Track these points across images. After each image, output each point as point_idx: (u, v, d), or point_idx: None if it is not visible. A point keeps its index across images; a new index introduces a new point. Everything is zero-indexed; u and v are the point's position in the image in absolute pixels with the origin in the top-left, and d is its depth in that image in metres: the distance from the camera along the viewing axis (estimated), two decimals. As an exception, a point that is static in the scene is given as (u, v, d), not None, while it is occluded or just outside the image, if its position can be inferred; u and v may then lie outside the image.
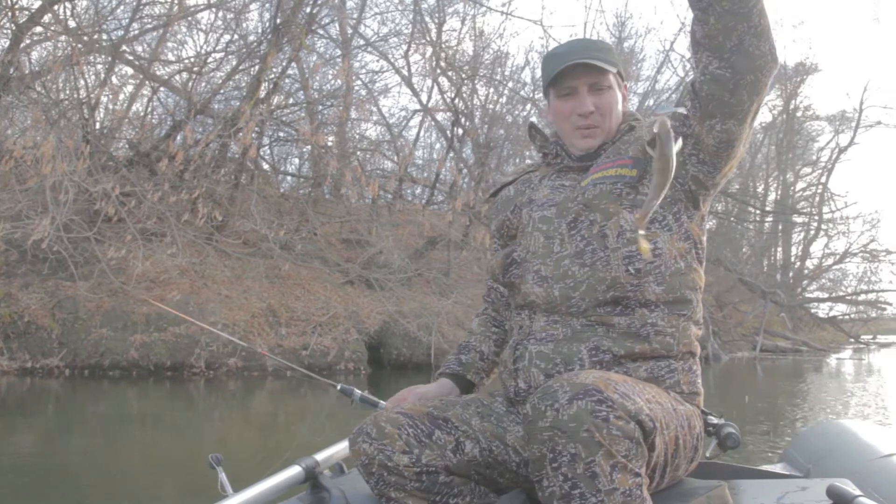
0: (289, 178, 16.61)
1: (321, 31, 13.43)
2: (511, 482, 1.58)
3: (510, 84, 16.53)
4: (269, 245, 11.75)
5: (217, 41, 12.48)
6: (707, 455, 1.61)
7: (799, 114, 25.41)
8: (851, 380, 13.70)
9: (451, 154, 15.00)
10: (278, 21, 10.44)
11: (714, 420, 1.78)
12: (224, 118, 10.00)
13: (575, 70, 1.59)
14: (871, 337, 26.09)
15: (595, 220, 1.54)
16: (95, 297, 10.16)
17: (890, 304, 24.35)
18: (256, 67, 11.22)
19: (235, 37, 12.39)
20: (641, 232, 1.35)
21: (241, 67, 11.27)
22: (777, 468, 2.02)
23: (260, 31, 12.44)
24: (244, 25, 12.79)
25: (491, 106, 16.70)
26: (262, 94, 10.42)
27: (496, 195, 1.84)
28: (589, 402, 1.21)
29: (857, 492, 1.41)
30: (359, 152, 15.13)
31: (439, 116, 17.30)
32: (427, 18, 14.62)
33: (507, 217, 1.75)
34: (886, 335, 28.46)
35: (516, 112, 17.43)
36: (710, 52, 1.42)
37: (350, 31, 14.46)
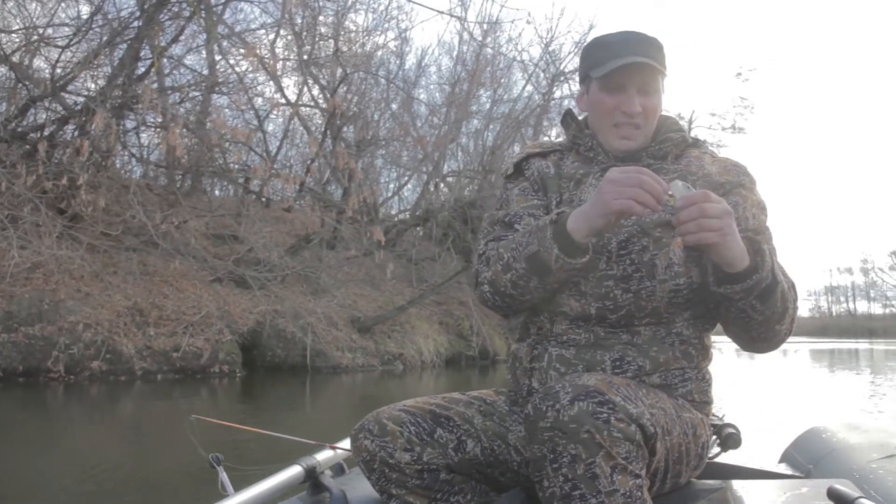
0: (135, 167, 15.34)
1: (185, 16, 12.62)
2: (512, 481, 1.56)
3: (380, 82, 16.44)
4: (133, 238, 10.90)
5: (90, 18, 11.36)
6: (708, 455, 1.63)
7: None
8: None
9: (324, 150, 14.65)
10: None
11: (715, 420, 1.84)
12: (105, 99, 9.14)
13: (629, 67, 1.50)
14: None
15: (647, 245, 1.47)
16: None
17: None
18: (125, 45, 10.37)
19: (87, 10, 11.39)
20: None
21: (115, 41, 10.36)
22: (777, 468, 2.03)
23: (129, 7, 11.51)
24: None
25: (369, 110, 16.55)
26: (140, 73, 9.62)
27: (522, 164, 1.69)
28: (590, 403, 1.20)
29: (857, 493, 1.40)
30: (226, 144, 14.45)
31: (310, 112, 16.90)
32: (296, 10, 14.17)
33: (549, 199, 1.61)
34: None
35: (392, 108, 17.44)
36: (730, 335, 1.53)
37: (214, 18, 13.75)
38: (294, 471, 1.68)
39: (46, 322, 9.39)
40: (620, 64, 1.49)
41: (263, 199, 16.38)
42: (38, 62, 11.76)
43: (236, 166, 14.69)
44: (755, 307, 1.38)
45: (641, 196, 1.28)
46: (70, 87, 11.14)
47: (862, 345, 37.28)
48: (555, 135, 18.98)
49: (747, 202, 1.53)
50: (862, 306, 74.75)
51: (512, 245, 1.47)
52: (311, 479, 1.69)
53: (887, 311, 70.33)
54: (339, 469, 1.87)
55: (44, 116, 11.07)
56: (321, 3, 14.29)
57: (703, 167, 1.57)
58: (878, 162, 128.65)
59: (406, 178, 19.49)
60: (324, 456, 1.80)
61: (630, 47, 1.51)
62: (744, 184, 1.55)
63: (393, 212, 20.20)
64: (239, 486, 1.61)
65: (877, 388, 11.09)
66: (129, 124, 12.40)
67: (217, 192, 17.00)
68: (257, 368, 11.58)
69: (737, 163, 1.60)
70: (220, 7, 12.85)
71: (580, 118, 1.69)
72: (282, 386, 10.68)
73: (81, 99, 10.90)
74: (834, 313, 75.27)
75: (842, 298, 76.23)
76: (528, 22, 20.38)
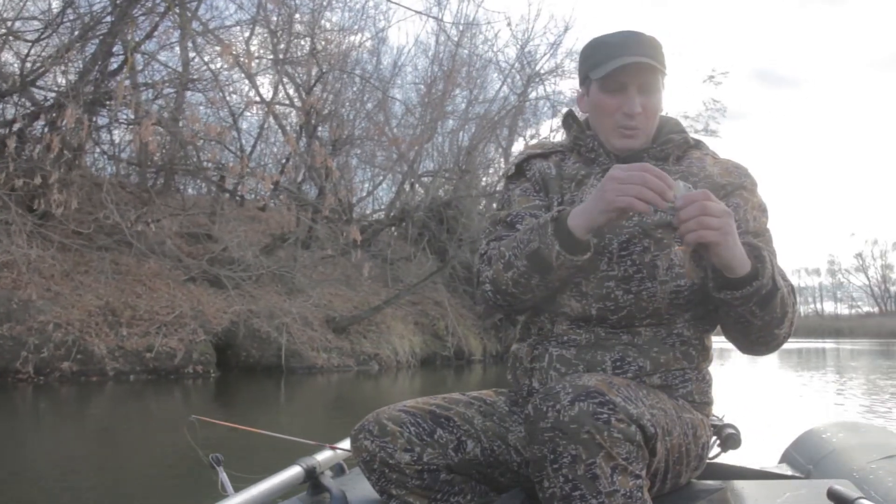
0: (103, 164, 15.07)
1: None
2: (512, 482, 1.56)
3: (356, 82, 16.38)
4: (105, 237, 10.72)
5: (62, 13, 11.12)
6: (708, 456, 1.60)
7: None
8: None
9: (300, 149, 14.55)
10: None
11: (715, 421, 1.83)
12: (77, 94, 8.97)
13: (628, 67, 1.50)
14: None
15: (648, 246, 1.48)
16: None
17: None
18: (97, 40, 10.19)
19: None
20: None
21: (87, 36, 10.17)
22: (777, 469, 2.02)
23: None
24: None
25: (344, 109, 16.45)
26: (112, 69, 9.46)
27: (524, 165, 1.68)
28: (591, 403, 1.21)
29: (857, 493, 1.40)
30: (200, 142, 14.28)
31: (284, 110, 16.78)
32: (272, 8, 14.06)
33: (550, 200, 1.61)
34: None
35: (367, 107, 17.35)
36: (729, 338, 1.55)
37: (189, 14, 13.58)
38: (294, 471, 1.67)
39: (15, 322, 9.20)
40: (620, 64, 1.49)
41: (238, 198, 16.23)
42: (7, 56, 11.53)
43: (210, 164, 14.53)
44: (755, 313, 1.38)
45: (645, 194, 1.27)
46: (40, 83, 10.94)
47: (829, 345, 37.98)
48: (529, 135, 19.10)
49: (748, 204, 1.54)
50: (829, 307, 76.31)
51: (513, 243, 1.47)
52: (311, 479, 1.68)
53: (853, 311, 71.88)
54: (339, 469, 1.86)
55: (13, 112, 10.85)
56: (297, 1, 14.23)
57: (705, 168, 1.57)
58: (845, 164, 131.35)
59: (381, 178, 19.45)
60: (324, 456, 1.79)
61: (629, 47, 1.50)
62: (745, 186, 1.56)
63: (367, 211, 20.14)
64: (239, 486, 1.60)
65: (844, 387, 11.29)
66: (101, 121, 12.20)
67: (191, 191, 16.78)
68: (232, 369, 11.47)
69: (738, 164, 1.60)
70: (195, 3, 12.69)
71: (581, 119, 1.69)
72: (256, 386, 10.58)
73: (52, 94, 10.71)
74: (802, 314, 76.41)
75: (809, 299, 77.59)
76: (508, 25, 20.40)
